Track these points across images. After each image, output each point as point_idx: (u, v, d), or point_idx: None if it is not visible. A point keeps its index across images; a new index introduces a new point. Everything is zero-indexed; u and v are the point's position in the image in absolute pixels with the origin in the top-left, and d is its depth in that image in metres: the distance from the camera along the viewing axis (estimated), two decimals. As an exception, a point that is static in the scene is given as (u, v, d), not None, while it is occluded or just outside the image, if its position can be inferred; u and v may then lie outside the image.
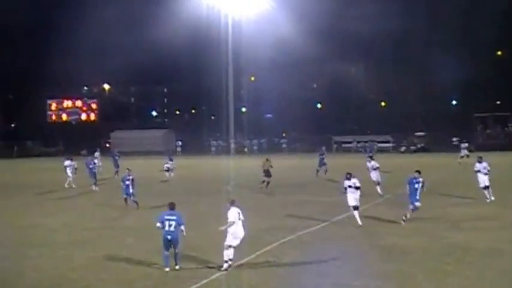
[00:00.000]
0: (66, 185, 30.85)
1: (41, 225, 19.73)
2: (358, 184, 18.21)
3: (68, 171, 31.35)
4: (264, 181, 28.38)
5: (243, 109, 74.03)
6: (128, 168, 24.92)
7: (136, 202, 22.89)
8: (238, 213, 13.41)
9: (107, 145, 77.03)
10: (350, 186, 18.15)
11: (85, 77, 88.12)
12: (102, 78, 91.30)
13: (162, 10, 62.50)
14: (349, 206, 18.35)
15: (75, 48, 74.68)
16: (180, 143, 54.77)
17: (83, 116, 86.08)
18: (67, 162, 31.62)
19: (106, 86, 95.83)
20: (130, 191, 22.91)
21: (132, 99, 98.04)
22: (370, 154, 30.58)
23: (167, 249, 13.03)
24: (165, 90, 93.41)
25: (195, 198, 26.04)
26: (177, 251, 13.15)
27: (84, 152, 69.09)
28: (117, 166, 36.35)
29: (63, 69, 76.38)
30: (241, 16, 55.28)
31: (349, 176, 18.32)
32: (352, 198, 18.17)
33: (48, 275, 13.25)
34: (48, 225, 19.60)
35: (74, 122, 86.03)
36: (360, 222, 17.93)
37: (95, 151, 41.53)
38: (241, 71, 61.51)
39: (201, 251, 14.78)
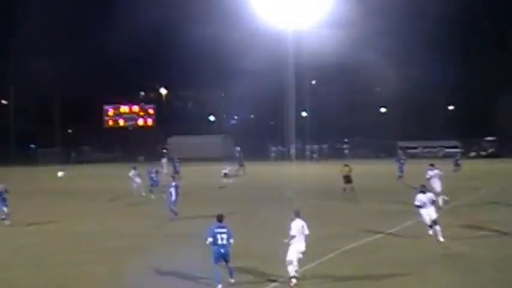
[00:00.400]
0: (143, 193, 30.90)
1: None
2: (434, 198, 17.65)
3: (137, 179, 31.63)
4: (345, 188, 28.78)
5: (304, 114, 74.56)
6: (172, 176, 26.09)
7: (174, 212, 22.90)
8: (302, 226, 13.13)
9: (164, 151, 79.19)
10: (424, 204, 17.17)
11: (142, 82, 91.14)
12: (159, 83, 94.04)
13: (219, 13, 63.89)
14: (427, 224, 17.32)
15: (132, 53, 77.41)
16: (238, 148, 55.76)
17: (140, 122, 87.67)
18: (132, 172, 31.97)
19: (163, 91, 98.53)
20: (172, 199, 23.05)
21: (190, 104, 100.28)
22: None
23: (219, 263, 12.76)
24: (223, 94, 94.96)
25: (254, 205, 26.46)
26: (230, 265, 12.92)
27: (141, 158, 71.50)
28: (176, 172, 37.65)
29: (120, 74, 79.13)
30: (302, 19, 55.76)
31: (423, 190, 17.50)
32: (429, 213, 17.20)
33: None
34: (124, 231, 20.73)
35: (130, 128, 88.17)
36: (441, 239, 16.86)
37: (162, 157, 42.77)
38: (302, 75, 61.91)
39: (259, 261, 14.83)
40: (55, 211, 26.91)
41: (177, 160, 39.80)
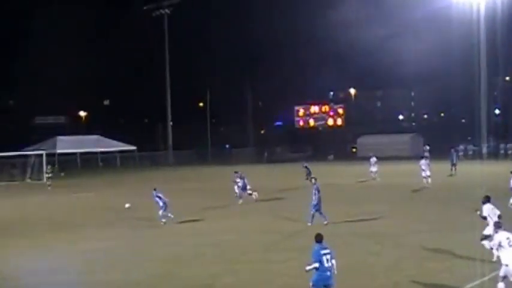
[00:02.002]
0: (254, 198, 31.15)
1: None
2: None
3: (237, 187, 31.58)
4: None
5: (497, 111, 72.03)
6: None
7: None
8: (507, 238, 12.05)
9: (353, 150, 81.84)
10: None
11: (331, 82, 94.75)
12: (348, 83, 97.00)
13: (396, 14, 64.54)
14: None
15: (321, 54, 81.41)
16: (427, 147, 56.18)
17: (330, 122, 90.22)
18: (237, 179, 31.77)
19: (352, 91, 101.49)
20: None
21: (378, 103, 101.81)
22: None
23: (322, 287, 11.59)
24: (412, 93, 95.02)
25: (454, 208, 26.10)
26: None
27: (331, 157, 75.00)
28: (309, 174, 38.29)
29: (310, 75, 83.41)
30: (495, 10, 54.55)
31: None
32: None
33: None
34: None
35: (320, 128, 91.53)
36: None
37: (370, 157, 44.58)
38: (495, 71, 59.97)
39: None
40: (246, 209, 28.76)
41: (305, 164, 41.14)
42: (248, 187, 31.40)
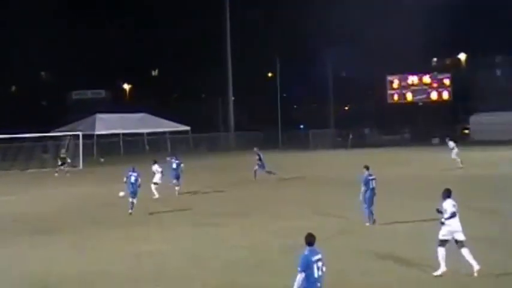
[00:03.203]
0: None
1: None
2: None
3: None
4: None
5: None
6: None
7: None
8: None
9: (465, 131, 79.40)
10: None
11: (435, 46, 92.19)
12: (456, 46, 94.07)
13: None
14: None
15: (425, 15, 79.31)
16: None
17: (433, 95, 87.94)
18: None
19: (462, 56, 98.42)
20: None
21: (498, 72, 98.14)
22: None
23: None
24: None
25: None
26: None
27: (435, 140, 73.17)
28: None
29: (406, 36, 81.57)
30: None
31: None
32: None
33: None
34: None
35: (420, 103, 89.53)
36: None
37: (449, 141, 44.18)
38: None
39: None
40: (335, 203, 29.37)
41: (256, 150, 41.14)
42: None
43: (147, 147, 75.61)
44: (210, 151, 73.83)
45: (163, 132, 75.90)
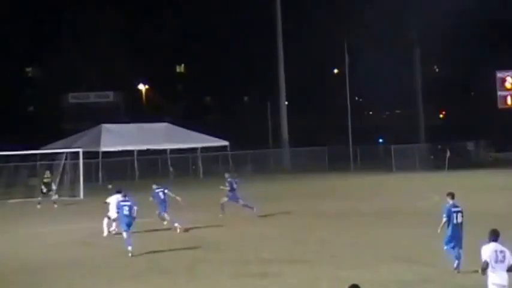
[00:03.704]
0: None
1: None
2: None
3: None
4: None
5: None
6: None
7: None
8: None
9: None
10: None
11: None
12: None
13: None
14: None
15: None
16: None
17: None
18: None
19: None
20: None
21: None
22: None
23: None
24: None
25: None
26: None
27: None
28: None
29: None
30: None
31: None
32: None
33: None
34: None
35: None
36: None
37: None
38: None
39: None
40: None
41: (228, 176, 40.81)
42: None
43: (171, 169, 75.33)
44: (255, 173, 73.32)
45: (193, 149, 75.48)
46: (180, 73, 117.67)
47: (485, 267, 16.22)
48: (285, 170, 78.59)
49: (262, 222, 37.26)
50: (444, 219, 23.38)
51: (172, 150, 75.41)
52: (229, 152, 76.08)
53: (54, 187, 49.65)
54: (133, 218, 28.78)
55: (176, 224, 34.48)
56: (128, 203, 28.95)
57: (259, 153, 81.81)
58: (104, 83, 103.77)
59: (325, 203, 45.18)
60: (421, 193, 48.91)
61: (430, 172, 70.24)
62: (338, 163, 78.20)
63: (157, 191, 35.28)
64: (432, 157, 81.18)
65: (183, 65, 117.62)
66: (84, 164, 57.75)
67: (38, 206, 47.41)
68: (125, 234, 28.43)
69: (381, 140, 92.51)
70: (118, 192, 32.30)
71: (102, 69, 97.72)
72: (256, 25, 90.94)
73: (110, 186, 59.88)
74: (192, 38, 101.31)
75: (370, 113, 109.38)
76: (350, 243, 30.22)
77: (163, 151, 75.46)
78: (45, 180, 49.60)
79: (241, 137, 80.00)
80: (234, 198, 39.12)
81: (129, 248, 28.04)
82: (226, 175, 40.85)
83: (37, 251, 31.63)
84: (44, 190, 48.80)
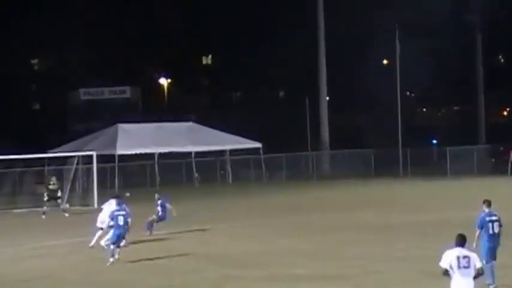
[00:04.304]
0: None
1: None
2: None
3: None
4: None
5: None
6: None
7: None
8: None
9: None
10: None
11: None
12: None
13: None
14: None
15: None
16: None
17: None
18: None
19: None
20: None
21: None
22: None
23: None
24: None
25: None
26: None
27: None
28: None
29: None
30: None
31: None
32: None
33: None
34: None
35: None
36: None
37: None
38: None
39: None
40: None
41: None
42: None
43: (196, 174, 75.84)
44: (291, 179, 73.41)
45: (221, 152, 76.01)
46: (206, 65, 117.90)
47: (444, 274, 17.34)
48: (324, 175, 78.66)
49: (296, 235, 37.37)
50: (478, 231, 23.64)
51: (198, 153, 75.90)
52: (262, 156, 76.44)
53: (59, 194, 49.68)
54: (126, 230, 30.00)
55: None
56: (123, 213, 29.89)
57: (296, 157, 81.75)
58: (120, 77, 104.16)
59: (370, 214, 44.76)
60: (479, 201, 48.46)
61: (490, 177, 69.97)
62: (385, 167, 78.06)
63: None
64: (493, 160, 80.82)
65: (209, 56, 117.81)
66: (98, 169, 57.76)
67: (43, 216, 47.64)
68: (111, 247, 29.53)
69: (434, 141, 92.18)
70: (116, 197, 33.05)
71: (118, 61, 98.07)
72: (293, 9, 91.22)
73: (127, 195, 60.52)
74: (220, 25, 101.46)
75: (424, 110, 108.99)
76: (398, 257, 30.27)
77: (188, 154, 75.84)
78: (50, 187, 49.63)
79: (275, 138, 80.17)
80: (161, 217, 38.83)
81: (111, 259, 29.33)
82: (156, 196, 40.06)
83: (39, 267, 31.98)
84: (46, 197, 48.80)
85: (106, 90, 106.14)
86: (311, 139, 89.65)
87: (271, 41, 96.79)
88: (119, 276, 28.67)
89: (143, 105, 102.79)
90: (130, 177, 68.11)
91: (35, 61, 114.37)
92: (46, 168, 59.50)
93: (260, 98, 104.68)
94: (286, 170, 78.29)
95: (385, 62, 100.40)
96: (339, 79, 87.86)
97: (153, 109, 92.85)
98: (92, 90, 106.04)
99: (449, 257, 17.45)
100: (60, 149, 67.09)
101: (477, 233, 23.50)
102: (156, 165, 74.22)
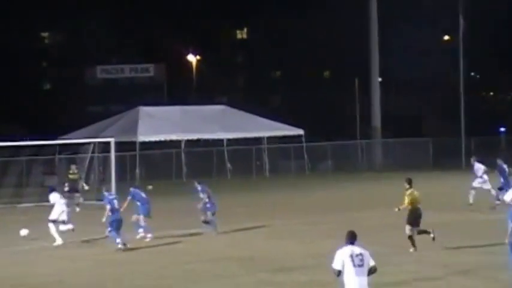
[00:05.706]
0: None
1: None
2: None
3: None
4: None
5: None
6: None
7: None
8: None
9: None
10: None
11: None
12: None
13: None
14: None
15: None
16: None
17: None
18: None
19: None
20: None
21: None
22: None
23: None
24: None
25: None
26: None
27: None
28: None
29: None
30: None
31: None
32: None
33: None
34: None
35: None
36: None
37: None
38: None
39: None
40: None
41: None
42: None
43: (228, 164, 75.94)
44: (337, 171, 73.67)
45: (257, 139, 76.15)
46: (241, 40, 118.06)
47: (338, 276, 18.26)
48: (375, 167, 79.27)
49: (343, 235, 37.13)
50: (511, 225, 24.44)
51: (230, 141, 76.23)
52: (304, 144, 76.51)
53: (83, 185, 50.25)
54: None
55: (140, 230, 36.77)
56: (116, 196, 33.22)
57: (343, 146, 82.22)
58: (142, 53, 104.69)
59: (428, 212, 44.90)
60: None
61: None
62: (445, 159, 78.01)
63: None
64: None
65: (245, 30, 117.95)
66: (116, 157, 57.61)
67: (77, 209, 47.14)
68: (114, 234, 32.91)
69: (502, 129, 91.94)
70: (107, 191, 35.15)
71: (140, 34, 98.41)
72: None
73: (150, 187, 60.59)
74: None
75: (491, 93, 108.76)
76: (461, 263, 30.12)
77: (219, 142, 76.25)
78: (70, 177, 49.98)
79: (320, 124, 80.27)
80: (210, 207, 38.54)
81: (120, 246, 32.65)
82: (196, 183, 39.86)
83: (43, 272, 32.04)
84: (66, 188, 47.84)
85: (126, 67, 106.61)
86: (360, 126, 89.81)
87: (316, 12, 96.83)
88: (145, 281, 28.89)
89: (168, 86, 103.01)
90: (153, 167, 68.28)
91: (45, 34, 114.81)
92: (57, 156, 59.81)
93: (302, 78, 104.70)
94: (331, 160, 78.29)
95: (446, 37, 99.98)
96: (393, 57, 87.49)
97: (179, 90, 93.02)
98: (110, 67, 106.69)
99: (342, 257, 18.33)
100: (73, 134, 67.36)
101: (510, 228, 24.51)
102: (183, 154, 74.51)
